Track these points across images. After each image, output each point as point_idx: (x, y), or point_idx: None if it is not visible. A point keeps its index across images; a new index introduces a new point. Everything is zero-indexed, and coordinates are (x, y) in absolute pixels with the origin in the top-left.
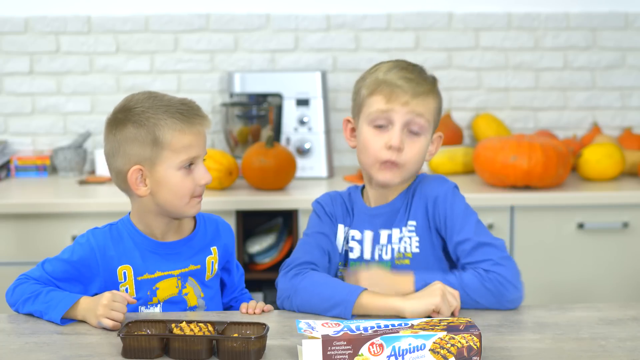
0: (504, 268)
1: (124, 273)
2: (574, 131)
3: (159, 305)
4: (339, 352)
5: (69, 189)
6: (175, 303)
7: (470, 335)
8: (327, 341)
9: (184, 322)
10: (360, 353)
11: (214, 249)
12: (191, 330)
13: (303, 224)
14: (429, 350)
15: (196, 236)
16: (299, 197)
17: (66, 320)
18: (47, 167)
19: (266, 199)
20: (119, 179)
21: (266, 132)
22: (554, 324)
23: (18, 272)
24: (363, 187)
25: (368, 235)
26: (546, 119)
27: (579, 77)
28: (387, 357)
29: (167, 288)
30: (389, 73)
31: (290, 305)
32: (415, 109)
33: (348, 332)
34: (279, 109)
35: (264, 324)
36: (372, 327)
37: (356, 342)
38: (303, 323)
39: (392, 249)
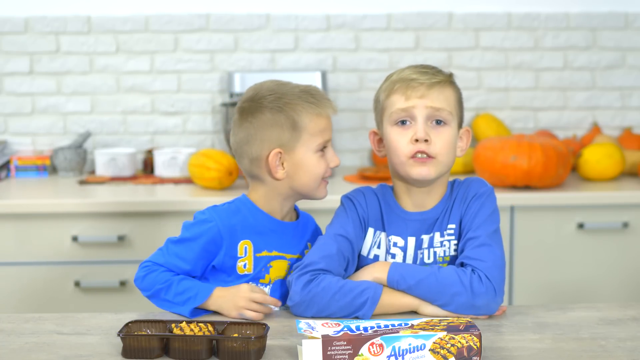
0: (492, 272)
1: (245, 248)
2: (574, 131)
3: (268, 286)
4: (339, 352)
5: (69, 189)
6: (282, 285)
7: (470, 335)
8: (327, 341)
9: (184, 322)
10: (360, 353)
11: (309, 244)
12: (191, 330)
13: None
14: (429, 350)
15: (299, 225)
16: None
17: (196, 312)
18: (47, 167)
19: None
20: (254, 164)
21: None
22: (554, 324)
23: (18, 272)
24: (391, 187)
25: (411, 241)
26: (546, 119)
27: (579, 77)
28: (387, 357)
29: (279, 268)
30: (402, 73)
31: (305, 312)
32: (434, 99)
33: (348, 332)
34: None
35: (264, 324)
36: (372, 327)
37: (356, 342)
38: (303, 323)
39: (435, 252)
